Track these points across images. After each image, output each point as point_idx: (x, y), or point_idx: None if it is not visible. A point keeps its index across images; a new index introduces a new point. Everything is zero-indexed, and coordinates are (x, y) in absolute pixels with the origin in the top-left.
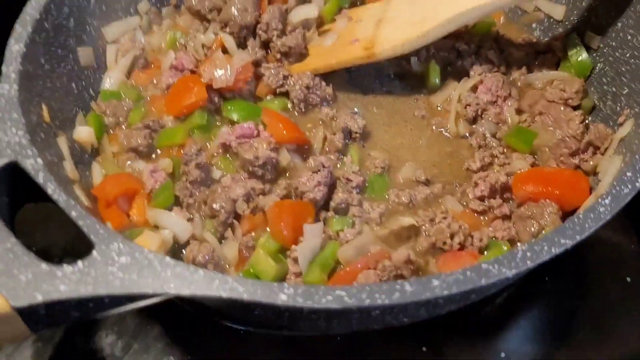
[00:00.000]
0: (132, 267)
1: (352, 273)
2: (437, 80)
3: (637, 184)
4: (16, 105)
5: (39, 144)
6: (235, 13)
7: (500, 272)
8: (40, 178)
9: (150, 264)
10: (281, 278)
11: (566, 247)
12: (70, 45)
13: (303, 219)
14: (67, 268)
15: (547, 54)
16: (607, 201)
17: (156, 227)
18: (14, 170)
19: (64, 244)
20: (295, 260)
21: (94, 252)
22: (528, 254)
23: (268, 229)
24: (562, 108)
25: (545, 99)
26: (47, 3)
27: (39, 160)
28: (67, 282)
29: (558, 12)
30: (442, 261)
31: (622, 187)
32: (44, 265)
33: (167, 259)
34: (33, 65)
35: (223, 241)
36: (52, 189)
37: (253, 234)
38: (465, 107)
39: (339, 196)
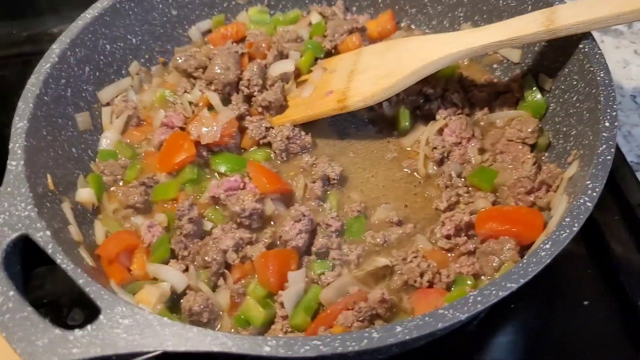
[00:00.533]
0: (134, 328)
1: (332, 314)
2: (407, 124)
3: (574, 229)
4: (24, 181)
5: (46, 215)
6: (218, 71)
7: (454, 316)
8: (50, 249)
9: (150, 324)
10: (270, 321)
11: (512, 289)
12: (69, 113)
13: (287, 266)
14: (77, 332)
15: (506, 93)
16: (547, 246)
17: (155, 279)
18: (25, 241)
19: (71, 294)
20: (282, 304)
21: (101, 317)
22: (478, 298)
23: (256, 276)
24: (520, 147)
25: (505, 138)
26: (46, 78)
27: (47, 233)
28: (79, 345)
29: (514, 55)
30: (415, 298)
31: (561, 232)
32: (57, 331)
33: (165, 319)
34: (37, 139)
35: (216, 289)
36: (60, 259)
37: (243, 281)
38: (433, 150)
39: (320, 241)
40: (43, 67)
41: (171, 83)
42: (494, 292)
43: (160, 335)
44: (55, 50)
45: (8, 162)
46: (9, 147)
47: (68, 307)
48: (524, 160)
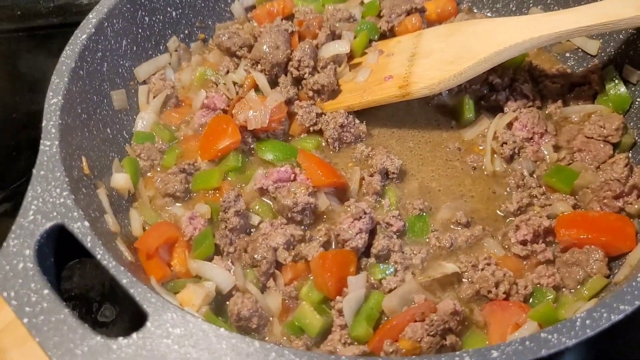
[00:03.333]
0: (187, 338)
1: (398, 326)
2: (471, 115)
3: None
4: (59, 163)
5: (83, 202)
6: (267, 50)
7: (560, 342)
8: (89, 242)
9: (206, 336)
10: (326, 330)
11: (626, 312)
12: (105, 90)
13: (346, 270)
14: (122, 341)
15: (582, 86)
16: None
17: (198, 277)
18: (60, 231)
19: (101, 288)
20: (340, 312)
21: (148, 324)
22: (587, 321)
23: (311, 277)
24: (601, 145)
25: (583, 135)
26: (82, 50)
27: (86, 223)
28: (123, 355)
29: (592, 47)
30: (489, 310)
31: None
32: (99, 338)
33: (222, 330)
34: (71, 117)
35: (265, 291)
36: (101, 254)
37: (295, 283)
38: (502, 145)
39: (380, 243)
40: (79, 39)
41: (212, 62)
42: (605, 315)
43: (217, 348)
44: (92, 20)
45: (41, 141)
46: (42, 125)
47: (98, 302)
48: (613, 161)
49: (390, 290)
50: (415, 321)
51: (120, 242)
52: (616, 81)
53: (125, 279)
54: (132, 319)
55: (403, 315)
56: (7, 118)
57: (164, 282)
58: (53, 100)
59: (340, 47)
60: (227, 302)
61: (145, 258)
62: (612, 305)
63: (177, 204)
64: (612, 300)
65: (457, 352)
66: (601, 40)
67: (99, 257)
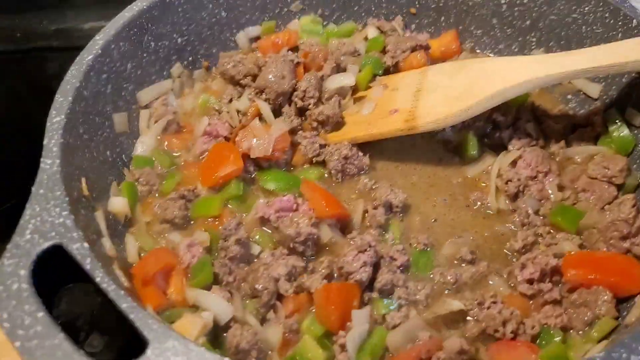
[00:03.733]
0: None
1: None
2: (475, 152)
3: None
4: (59, 182)
5: (81, 223)
6: (273, 79)
7: None
8: (88, 265)
9: None
10: None
11: None
12: (107, 112)
13: (350, 303)
14: None
15: (585, 127)
16: None
17: (195, 307)
18: (57, 252)
19: (89, 316)
20: (343, 347)
21: (149, 351)
22: None
23: (314, 310)
24: (605, 186)
25: (587, 176)
26: (87, 70)
27: (85, 245)
28: None
29: (593, 90)
30: (495, 350)
31: None
32: None
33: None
34: (73, 136)
35: (265, 323)
36: (100, 277)
37: (296, 315)
38: (507, 183)
39: (385, 277)
40: (85, 59)
41: (215, 89)
42: (624, 355)
43: None
44: (98, 41)
45: (42, 159)
46: (44, 143)
47: (86, 331)
48: (621, 201)
49: (395, 327)
50: (421, 359)
51: (117, 267)
52: (619, 123)
53: (125, 304)
54: (122, 349)
55: (408, 353)
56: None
57: (160, 311)
58: (56, 119)
59: (346, 80)
60: (225, 334)
61: (142, 285)
62: (631, 346)
63: (175, 231)
64: (631, 340)
65: None
66: (603, 84)
67: (98, 279)
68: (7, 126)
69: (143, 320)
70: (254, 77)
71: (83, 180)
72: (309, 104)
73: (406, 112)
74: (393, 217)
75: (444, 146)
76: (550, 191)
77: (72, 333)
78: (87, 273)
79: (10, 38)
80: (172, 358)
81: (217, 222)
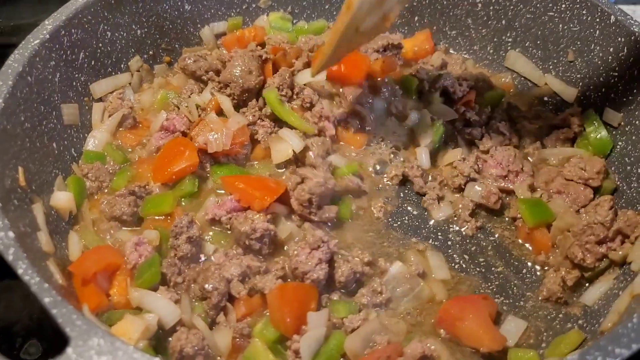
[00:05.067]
0: None
1: None
2: (437, 139)
3: None
4: None
5: (12, 213)
6: (239, 74)
7: None
8: (10, 255)
9: None
10: None
11: (622, 357)
12: (55, 102)
13: (307, 305)
14: None
15: (561, 128)
16: None
17: (139, 309)
18: None
19: (28, 322)
20: (296, 352)
21: (69, 350)
22: None
23: (267, 314)
24: (581, 188)
25: (562, 177)
26: (32, 55)
27: (10, 234)
28: None
29: (569, 94)
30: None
31: None
32: None
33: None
34: (12, 123)
35: (214, 327)
36: (23, 269)
37: (248, 319)
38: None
39: (344, 269)
40: (30, 43)
41: (175, 85)
42: (599, 358)
43: None
44: (47, 26)
45: None
46: None
47: (22, 337)
48: (597, 203)
49: (353, 330)
50: None
51: (52, 263)
52: (596, 124)
53: (48, 298)
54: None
55: (367, 358)
56: None
57: (99, 313)
58: None
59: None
60: (170, 338)
61: (80, 284)
62: (606, 349)
63: (124, 229)
64: (607, 342)
65: None
66: (579, 89)
67: (20, 271)
68: None
69: (66, 316)
70: (217, 72)
71: (20, 169)
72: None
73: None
74: None
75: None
76: (519, 190)
77: (7, 339)
78: (9, 264)
79: None
80: (96, 357)
81: (169, 220)
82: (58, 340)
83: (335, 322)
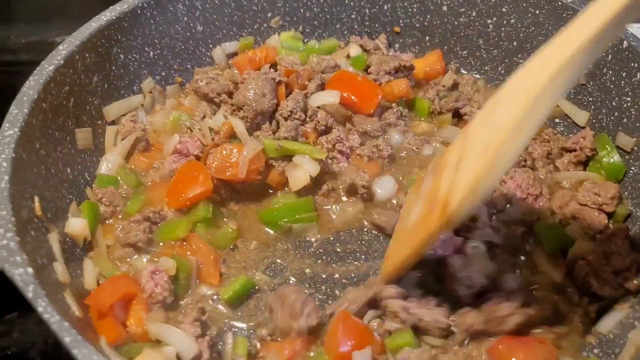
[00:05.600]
0: None
1: None
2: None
3: None
4: (6, 200)
5: (29, 246)
6: (252, 97)
7: None
8: (30, 292)
9: None
10: None
11: None
12: (69, 127)
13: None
14: None
15: (573, 152)
16: None
17: (157, 342)
18: None
19: (43, 346)
20: None
21: None
22: None
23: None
24: (595, 214)
25: (577, 202)
26: (47, 82)
27: (29, 270)
28: None
29: (581, 118)
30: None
31: None
32: None
33: None
34: (27, 152)
35: None
36: (43, 307)
37: None
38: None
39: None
40: (45, 69)
41: (188, 106)
42: None
43: None
44: (62, 52)
45: None
46: None
47: None
48: (612, 232)
49: None
50: None
51: (69, 294)
52: (609, 149)
53: (68, 337)
54: None
55: None
56: None
57: (118, 345)
58: (8, 132)
59: (330, 97)
60: None
61: (97, 317)
62: None
63: (140, 255)
64: None
65: None
66: (591, 112)
67: (40, 309)
68: None
69: (87, 356)
70: (229, 94)
71: (37, 199)
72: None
73: (442, 199)
74: None
75: None
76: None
77: None
78: (28, 301)
79: None
80: None
81: (185, 247)
82: None
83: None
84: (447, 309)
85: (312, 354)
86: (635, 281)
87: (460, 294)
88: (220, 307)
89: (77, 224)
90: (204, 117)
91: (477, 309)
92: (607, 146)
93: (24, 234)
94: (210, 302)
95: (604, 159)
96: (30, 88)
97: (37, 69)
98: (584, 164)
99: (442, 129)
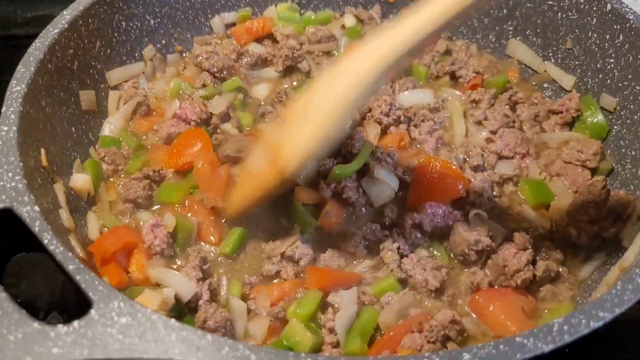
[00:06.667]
0: (133, 329)
1: (394, 338)
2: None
3: None
4: (14, 148)
5: (36, 190)
6: None
7: (536, 347)
8: (37, 227)
9: (154, 326)
10: (317, 350)
11: (605, 320)
12: (73, 88)
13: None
14: (61, 328)
15: (560, 113)
16: None
17: (157, 285)
18: (7, 217)
19: (50, 297)
20: (331, 330)
21: (92, 311)
22: (565, 327)
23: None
24: (579, 170)
25: (561, 160)
26: (52, 44)
27: (36, 208)
28: (61, 344)
29: (567, 82)
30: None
31: None
32: (35, 324)
33: (172, 321)
34: (34, 108)
35: (251, 320)
36: (48, 239)
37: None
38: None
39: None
40: (50, 32)
41: (188, 76)
42: (583, 321)
43: (166, 340)
44: (66, 16)
45: None
46: (2, 111)
47: (45, 310)
48: (591, 183)
49: (387, 305)
50: (413, 332)
51: (73, 238)
52: (593, 109)
53: (72, 265)
54: None
55: (400, 327)
56: None
57: (121, 289)
58: (16, 88)
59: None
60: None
61: (101, 263)
62: (591, 312)
63: (141, 210)
64: (592, 307)
65: (427, 354)
66: (577, 76)
67: (45, 242)
68: None
69: (89, 282)
70: (230, 69)
71: (42, 151)
72: None
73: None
74: None
75: None
76: (530, 170)
77: (31, 312)
78: (35, 236)
79: None
80: (116, 318)
81: (186, 207)
82: (79, 311)
83: (364, 300)
84: (442, 275)
85: (299, 295)
86: (612, 230)
87: (470, 257)
88: (219, 259)
89: (80, 179)
90: (203, 85)
91: (486, 267)
92: (591, 107)
93: (32, 180)
94: (210, 255)
95: (589, 119)
96: (37, 49)
97: (43, 32)
98: (570, 125)
99: (441, 90)
